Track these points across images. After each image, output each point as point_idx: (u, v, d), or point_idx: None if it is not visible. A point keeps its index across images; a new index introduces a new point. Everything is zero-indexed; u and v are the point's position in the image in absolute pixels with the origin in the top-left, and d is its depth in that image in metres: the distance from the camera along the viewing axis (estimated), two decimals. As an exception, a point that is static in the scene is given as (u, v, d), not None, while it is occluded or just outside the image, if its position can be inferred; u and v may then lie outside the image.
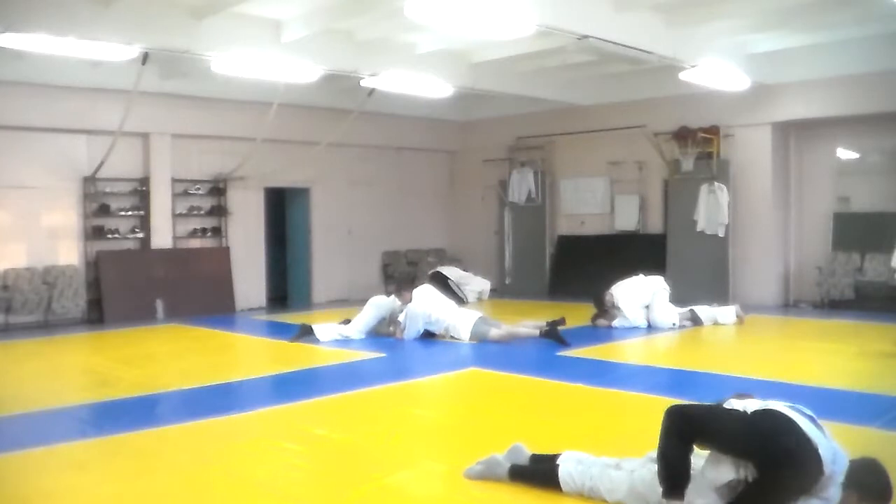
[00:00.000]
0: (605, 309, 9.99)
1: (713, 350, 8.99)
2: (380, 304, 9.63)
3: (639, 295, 9.94)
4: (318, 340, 9.13)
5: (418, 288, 9.63)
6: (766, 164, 12.15)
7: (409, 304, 9.34)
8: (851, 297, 11.49)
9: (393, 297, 9.72)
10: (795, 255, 12.61)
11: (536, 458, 4.09)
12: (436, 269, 12.37)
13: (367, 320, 9.51)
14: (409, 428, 5.38)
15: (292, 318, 12.00)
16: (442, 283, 11.50)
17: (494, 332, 8.90)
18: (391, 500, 3.96)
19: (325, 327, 9.41)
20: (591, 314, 10.16)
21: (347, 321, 9.65)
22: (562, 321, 9.17)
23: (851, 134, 12.01)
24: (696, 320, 9.98)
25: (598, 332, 9.72)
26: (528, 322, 9.35)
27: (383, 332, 9.51)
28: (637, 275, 10.25)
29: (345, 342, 9.15)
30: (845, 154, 12.25)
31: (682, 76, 10.47)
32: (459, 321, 9.13)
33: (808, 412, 3.16)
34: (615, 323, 9.85)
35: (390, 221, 15.20)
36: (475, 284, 13.51)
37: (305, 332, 9.25)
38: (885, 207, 11.60)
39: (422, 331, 9.26)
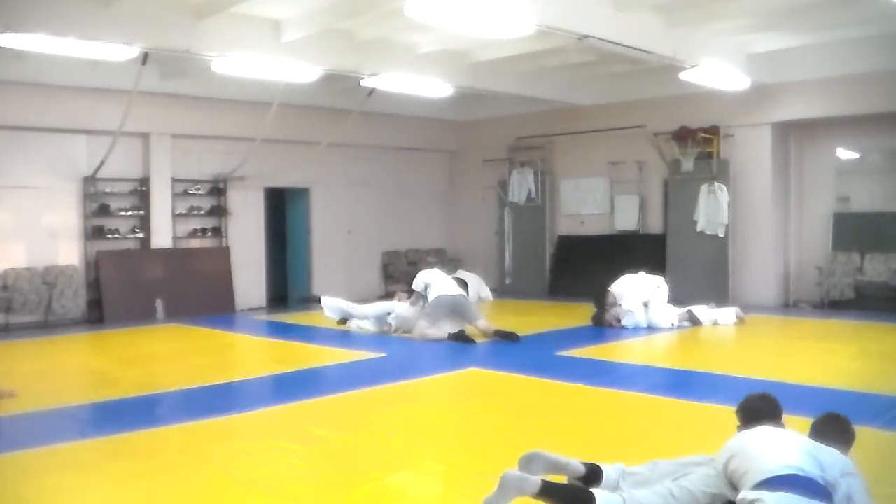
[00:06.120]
0: (605, 308, 9.99)
1: (713, 350, 8.99)
2: (385, 307, 10.18)
3: (639, 290, 9.93)
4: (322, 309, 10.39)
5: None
6: (766, 164, 12.15)
7: (414, 283, 9.80)
8: (851, 297, 11.49)
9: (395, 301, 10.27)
10: (795, 255, 12.61)
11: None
12: (456, 275, 12.44)
13: (375, 309, 10.16)
14: (409, 428, 5.38)
15: (292, 318, 12.02)
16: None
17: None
18: (391, 500, 3.96)
19: (334, 299, 10.40)
20: (592, 314, 10.17)
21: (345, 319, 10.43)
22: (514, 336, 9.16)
23: (851, 134, 12.00)
24: (694, 321, 9.98)
25: (598, 332, 9.73)
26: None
27: (406, 331, 9.72)
28: (637, 272, 10.27)
29: (345, 333, 9.98)
30: (845, 154, 12.25)
31: (682, 76, 10.46)
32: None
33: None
34: (624, 321, 9.84)
35: (390, 221, 15.20)
36: (483, 292, 13.59)
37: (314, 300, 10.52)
38: (885, 207, 11.61)
39: (426, 295, 9.55)
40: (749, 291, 12.11)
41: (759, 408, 3.60)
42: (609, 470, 3.63)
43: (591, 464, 3.65)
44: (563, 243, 14.62)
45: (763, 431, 3.30)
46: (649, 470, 3.62)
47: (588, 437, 5.02)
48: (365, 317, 10.11)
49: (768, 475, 2.98)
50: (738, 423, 3.59)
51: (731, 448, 3.27)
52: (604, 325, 9.93)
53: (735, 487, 3.15)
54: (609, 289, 10.02)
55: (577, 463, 3.63)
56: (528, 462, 3.58)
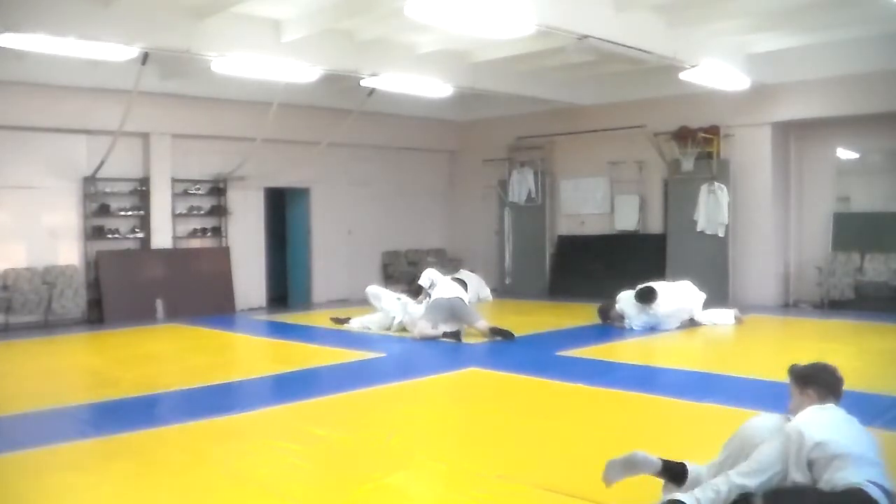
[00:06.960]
0: (652, 303, 9.67)
1: (713, 350, 8.99)
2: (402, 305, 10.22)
3: (677, 300, 9.78)
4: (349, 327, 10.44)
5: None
6: (766, 164, 12.15)
7: (422, 278, 10.14)
8: (851, 297, 11.49)
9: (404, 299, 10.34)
10: (795, 255, 12.61)
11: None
12: (457, 276, 12.49)
13: (397, 306, 10.20)
14: (409, 428, 5.38)
15: (292, 318, 12.03)
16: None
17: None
18: (391, 500, 3.96)
19: (356, 320, 10.47)
20: (599, 307, 10.13)
21: (346, 319, 10.53)
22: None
23: (851, 134, 12.00)
24: (693, 324, 9.96)
25: (598, 332, 9.72)
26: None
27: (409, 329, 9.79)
28: (684, 280, 10.22)
29: (345, 333, 9.98)
30: (845, 154, 12.25)
31: (682, 76, 10.46)
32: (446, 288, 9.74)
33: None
34: (626, 322, 9.77)
35: (390, 221, 15.20)
36: (483, 292, 13.59)
37: (342, 322, 10.59)
38: (885, 207, 11.61)
39: (431, 294, 9.70)
40: (749, 291, 12.11)
41: (837, 387, 3.58)
42: (693, 467, 3.54)
43: (669, 461, 3.54)
44: (563, 243, 14.62)
45: (858, 429, 3.33)
46: (723, 455, 3.51)
47: (588, 438, 5.02)
48: (390, 314, 10.09)
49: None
50: (805, 390, 3.55)
51: (822, 433, 3.17)
52: (607, 322, 9.93)
53: (809, 469, 3.12)
54: (654, 287, 9.76)
55: (644, 456, 3.52)
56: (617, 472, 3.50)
